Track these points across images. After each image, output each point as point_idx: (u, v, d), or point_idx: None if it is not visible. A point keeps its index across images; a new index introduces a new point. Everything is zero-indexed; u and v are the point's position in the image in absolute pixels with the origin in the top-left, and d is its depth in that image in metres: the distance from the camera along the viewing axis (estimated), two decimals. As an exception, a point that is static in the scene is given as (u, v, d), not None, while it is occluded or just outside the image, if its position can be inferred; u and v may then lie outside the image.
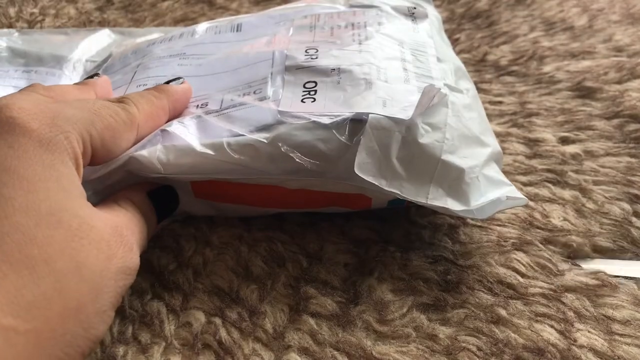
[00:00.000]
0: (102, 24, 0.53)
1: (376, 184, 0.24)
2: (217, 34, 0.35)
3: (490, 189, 0.25)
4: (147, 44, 0.37)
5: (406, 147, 0.24)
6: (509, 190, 0.26)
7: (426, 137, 0.24)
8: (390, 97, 0.26)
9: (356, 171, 0.23)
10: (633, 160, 0.34)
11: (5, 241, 0.17)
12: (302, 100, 0.26)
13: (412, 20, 0.34)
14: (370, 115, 0.24)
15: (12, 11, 0.54)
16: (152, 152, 0.25)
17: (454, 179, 0.25)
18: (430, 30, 0.33)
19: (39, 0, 0.56)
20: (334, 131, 0.24)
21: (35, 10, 0.54)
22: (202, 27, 0.37)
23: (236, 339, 0.24)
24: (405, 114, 0.25)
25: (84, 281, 0.18)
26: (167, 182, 0.26)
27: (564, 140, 0.36)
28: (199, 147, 0.25)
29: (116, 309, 0.20)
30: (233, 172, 0.25)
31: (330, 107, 0.26)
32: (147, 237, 0.24)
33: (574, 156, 0.34)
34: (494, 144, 0.28)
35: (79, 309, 0.18)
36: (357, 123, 0.24)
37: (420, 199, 0.24)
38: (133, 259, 0.21)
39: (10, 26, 0.51)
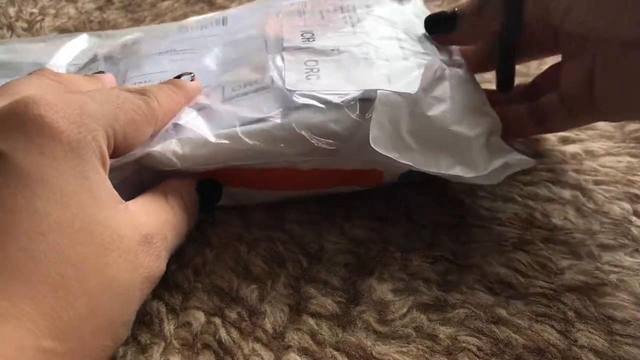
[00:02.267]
0: (102, 23, 0.53)
1: (391, 157, 0.24)
2: (204, 29, 0.35)
3: (497, 155, 0.27)
4: (132, 42, 0.37)
5: (415, 120, 0.25)
6: (515, 156, 0.27)
7: (433, 110, 0.26)
8: (393, 74, 0.27)
9: (372, 146, 0.24)
10: (633, 160, 0.34)
11: (42, 261, 0.16)
12: (307, 78, 0.27)
13: (399, 2, 0.35)
14: (378, 91, 0.25)
15: (11, 11, 0.53)
16: (166, 147, 0.25)
17: (462, 148, 0.26)
18: (416, 11, 0.35)
19: (38, 0, 0.56)
20: (346, 110, 0.25)
21: (35, 10, 0.54)
22: (186, 23, 0.37)
23: (236, 339, 0.24)
24: (411, 89, 0.25)
25: (115, 296, 0.18)
26: (178, 173, 0.26)
27: (564, 140, 0.36)
28: (213, 138, 0.25)
29: None
30: (248, 158, 0.25)
31: (336, 84, 0.26)
32: (185, 235, 0.24)
33: (574, 156, 0.34)
34: (493, 114, 0.28)
35: (110, 324, 0.18)
36: (366, 101, 0.25)
37: (432, 169, 0.25)
38: (159, 268, 0.21)
39: (10, 26, 0.51)
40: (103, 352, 0.18)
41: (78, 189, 0.18)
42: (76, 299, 0.17)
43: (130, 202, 0.22)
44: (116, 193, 0.20)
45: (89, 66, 0.37)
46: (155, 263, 0.20)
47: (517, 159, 0.27)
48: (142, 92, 0.24)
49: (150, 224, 0.21)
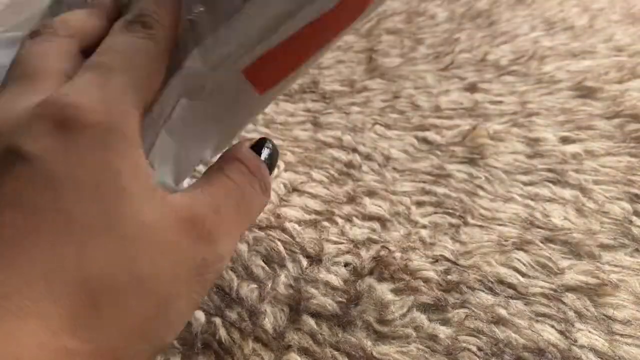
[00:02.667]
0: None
1: None
2: None
3: None
4: None
5: None
6: None
7: None
8: None
9: None
10: (633, 159, 0.34)
11: (66, 261, 0.16)
12: None
13: None
14: None
15: (12, 11, 0.53)
16: (193, 61, 0.21)
17: None
18: None
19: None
20: None
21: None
22: None
23: (236, 339, 0.24)
24: None
25: (148, 295, 0.17)
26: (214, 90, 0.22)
27: (565, 140, 0.36)
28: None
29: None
30: (266, 29, 0.21)
31: None
32: (258, 206, 0.21)
33: (575, 156, 0.34)
34: None
35: (143, 326, 0.17)
36: None
37: None
38: (213, 251, 0.18)
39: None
40: (138, 356, 0.17)
41: (103, 183, 0.17)
42: (101, 298, 0.16)
43: (179, 189, 0.20)
44: (150, 178, 0.18)
45: None
46: (206, 248, 0.18)
47: None
48: (144, 23, 0.21)
49: (196, 203, 0.19)
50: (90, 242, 0.16)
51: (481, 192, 0.32)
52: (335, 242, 0.28)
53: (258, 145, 0.23)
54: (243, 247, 0.28)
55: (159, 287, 0.17)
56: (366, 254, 0.28)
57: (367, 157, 0.35)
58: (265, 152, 0.23)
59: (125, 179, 0.17)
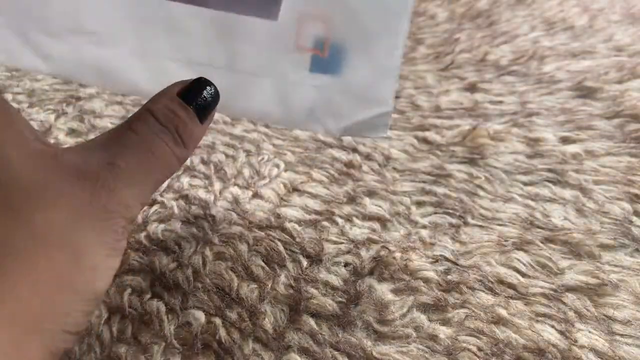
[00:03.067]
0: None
1: None
2: None
3: None
4: None
5: None
6: None
7: None
8: None
9: None
10: (633, 160, 0.34)
11: None
12: None
13: None
14: None
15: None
16: None
17: None
18: None
19: None
20: None
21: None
22: None
23: (236, 339, 0.24)
24: None
25: (51, 250, 0.16)
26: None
27: (565, 140, 0.36)
28: None
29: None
30: None
31: None
32: (170, 157, 0.20)
33: (575, 156, 0.34)
34: None
35: (59, 279, 0.16)
36: None
37: None
38: (113, 199, 0.18)
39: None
40: (70, 308, 0.17)
41: None
42: (3, 263, 0.16)
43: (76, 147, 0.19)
44: (31, 142, 0.18)
45: None
46: (102, 198, 0.18)
47: None
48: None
49: (87, 160, 0.18)
50: None
51: (481, 192, 0.32)
52: (335, 242, 0.28)
53: (192, 90, 0.21)
54: (243, 247, 0.28)
55: (61, 240, 0.16)
56: (366, 254, 0.28)
57: (367, 157, 0.35)
58: (199, 97, 0.21)
59: (8, 148, 0.17)
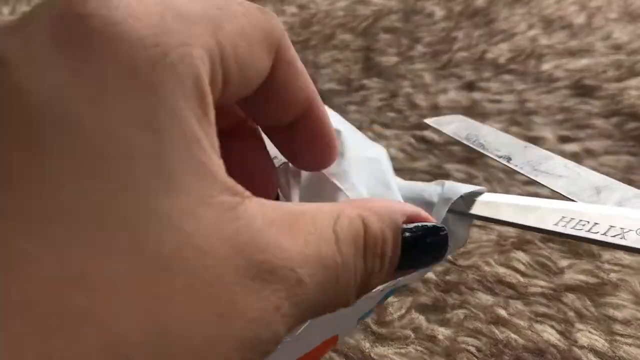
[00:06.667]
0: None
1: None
2: None
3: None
4: None
5: None
6: None
7: None
8: None
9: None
10: (632, 158, 0.34)
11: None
12: None
13: None
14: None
15: (5, 10, 0.53)
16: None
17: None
18: None
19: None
20: None
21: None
22: None
23: (233, 341, 0.24)
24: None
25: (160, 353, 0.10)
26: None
27: (563, 139, 0.36)
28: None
29: None
30: None
31: None
32: (338, 300, 0.13)
33: (574, 155, 0.34)
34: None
35: None
36: None
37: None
38: (270, 327, 0.11)
39: (4, 25, 0.51)
40: None
41: (136, 154, 0.10)
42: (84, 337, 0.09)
43: (265, 201, 0.12)
44: (222, 167, 0.11)
45: None
46: (265, 315, 0.11)
47: None
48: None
49: (280, 247, 0.11)
50: (89, 258, 0.09)
51: (480, 192, 0.32)
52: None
53: (418, 232, 0.14)
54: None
55: (188, 347, 0.10)
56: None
57: (365, 157, 0.35)
58: (421, 241, 0.14)
59: (172, 153, 0.10)
